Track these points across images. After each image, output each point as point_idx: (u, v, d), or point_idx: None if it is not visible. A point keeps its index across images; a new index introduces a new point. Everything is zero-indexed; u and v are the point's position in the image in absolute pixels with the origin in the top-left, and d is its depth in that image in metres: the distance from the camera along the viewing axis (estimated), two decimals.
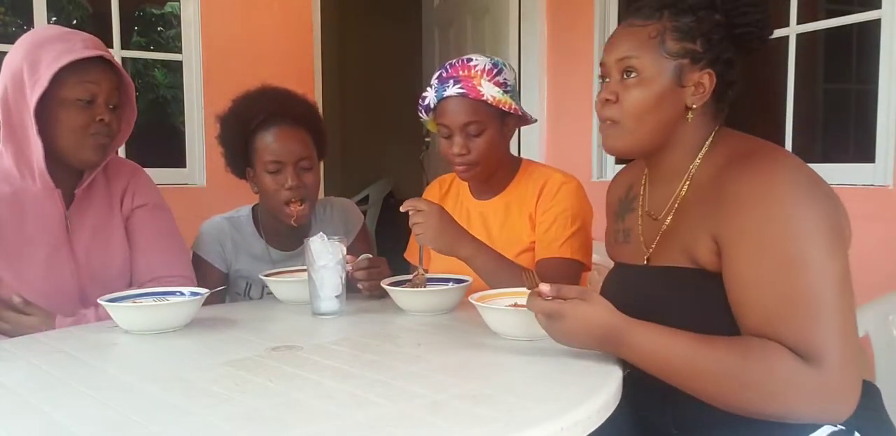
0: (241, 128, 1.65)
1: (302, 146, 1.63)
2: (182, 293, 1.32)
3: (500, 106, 1.49)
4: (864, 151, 2.08)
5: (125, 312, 1.23)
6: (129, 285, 1.53)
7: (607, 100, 1.08)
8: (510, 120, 1.56)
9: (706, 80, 1.06)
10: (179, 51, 3.04)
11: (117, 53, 2.91)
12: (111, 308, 1.22)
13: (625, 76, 1.07)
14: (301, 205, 1.62)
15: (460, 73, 1.51)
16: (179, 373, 1.01)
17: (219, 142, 1.70)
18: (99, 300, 1.24)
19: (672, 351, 0.95)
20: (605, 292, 1.21)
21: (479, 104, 1.48)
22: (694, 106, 1.07)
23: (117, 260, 1.49)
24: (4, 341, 1.22)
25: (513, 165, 1.63)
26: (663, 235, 1.11)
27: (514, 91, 1.55)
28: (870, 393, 1.02)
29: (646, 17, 1.07)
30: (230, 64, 2.97)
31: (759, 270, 0.95)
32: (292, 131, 1.63)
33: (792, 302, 0.92)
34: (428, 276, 1.45)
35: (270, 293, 1.64)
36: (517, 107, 1.52)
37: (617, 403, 0.90)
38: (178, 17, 3.06)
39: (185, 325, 1.25)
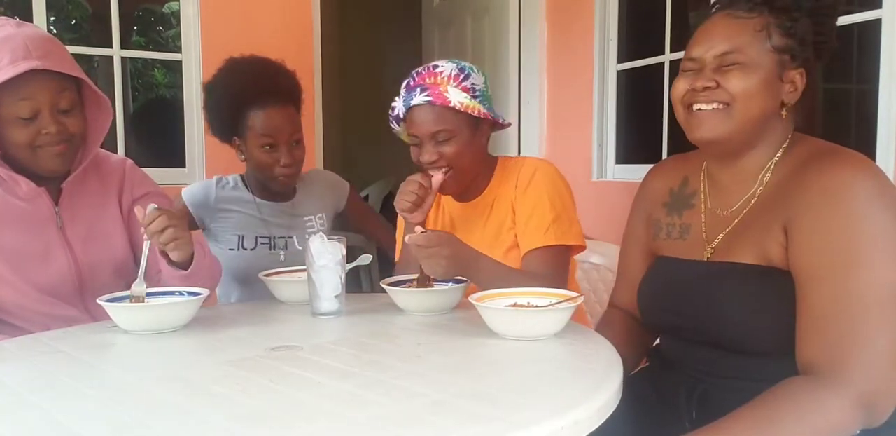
0: (230, 100, 1.74)
1: (292, 123, 1.75)
2: (182, 293, 1.32)
3: (469, 112, 1.46)
4: (864, 151, 2.06)
5: (125, 312, 1.23)
6: (134, 276, 1.54)
7: (707, 87, 1.05)
8: (484, 125, 1.53)
9: (798, 79, 1.05)
10: (179, 50, 3.03)
11: (117, 53, 2.91)
12: (111, 308, 1.22)
13: (723, 66, 1.05)
14: (292, 176, 1.78)
15: (427, 80, 1.49)
16: (179, 373, 1.00)
17: (204, 110, 1.83)
18: (99, 300, 1.24)
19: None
20: (653, 287, 1.20)
21: (447, 111, 1.46)
22: (790, 103, 1.06)
23: (118, 252, 1.50)
24: (4, 341, 1.22)
25: (490, 167, 1.61)
26: (731, 233, 1.10)
27: (483, 96, 1.52)
28: None
29: (748, 9, 1.05)
30: None
31: (817, 265, 0.96)
32: (283, 110, 1.73)
33: (839, 301, 0.93)
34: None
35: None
36: (486, 112, 1.49)
37: (617, 402, 0.90)
38: (177, 17, 3.06)
39: (185, 325, 1.25)
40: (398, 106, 1.52)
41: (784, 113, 1.07)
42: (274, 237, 1.83)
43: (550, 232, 1.48)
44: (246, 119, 1.73)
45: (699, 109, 1.07)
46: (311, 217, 1.90)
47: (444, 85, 1.47)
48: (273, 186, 1.80)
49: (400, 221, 1.68)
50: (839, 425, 0.90)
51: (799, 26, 1.04)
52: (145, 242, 1.31)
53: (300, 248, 1.82)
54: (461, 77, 1.49)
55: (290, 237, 1.85)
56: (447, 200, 1.66)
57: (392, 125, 1.59)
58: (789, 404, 0.91)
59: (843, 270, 0.94)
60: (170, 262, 1.35)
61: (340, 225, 2.10)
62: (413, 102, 1.47)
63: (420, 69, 1.53)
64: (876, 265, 0.93)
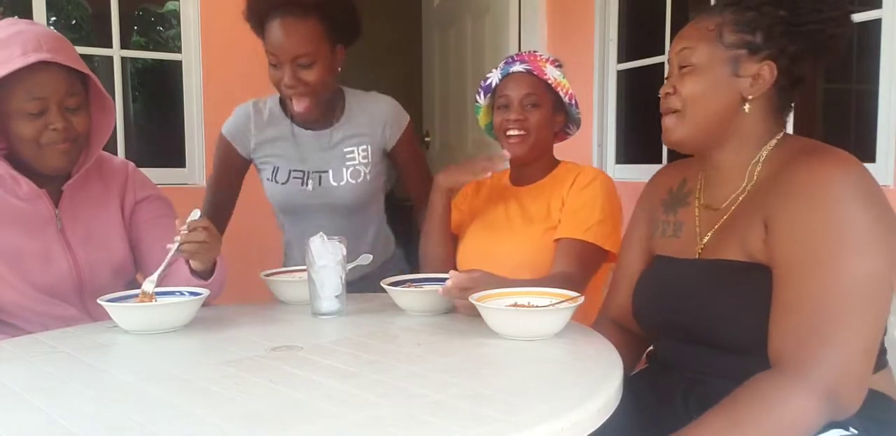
0: (256, 7, 1.62)
1: (302, 41, 1.56)
2: (182, 293, 1.32)
3: (559, 89, 1.62)
4: (864, 150, 2.07)
5: (125, 312, 1.23)
6: (135, 278, 1.53)
7: (667, 93, 1.11)
8: (559, 117, 1.66)
9: (766, 71, 1.06)
10: (179, 50, 3.04)
11: (117, 53, 2.91)
12: (111, 308, 1.22)
13: (681, 68, 1.10)
14: (301, 99, 1.62)
15: (526, 58, 1.65)
16: (179, 373, 1.01)
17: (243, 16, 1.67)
18: (99, 300, 1.24)
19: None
20: (647, 287, 1.21)
21: (541, 83, 1.61)
22: (750, 97, 1.07)
23: (117, 253, 1.50)
24: (4, 341, 1.22)
25: (553, 162, 1.72)
26: (720, 228, 1.12)
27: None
28: (884, 407, 1.01)
29: (710, 13, 1.10)
30: (230, 64, 2.97)
31: (790, 258, 0.96)
32: (297, 22, 1.56)
33: (806, 295, 0.94)
34: (429, 276, 1.47)
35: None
36: (573, 93, 1.64)
37: (617, 403, 0.90)
38: (177, 17, 3.06)
39: (185, 325, 1.25)
40: (493, 76, 1.66)
41: (748, 107, 1.08)
42: (308, 172, 1.74)
43: (592, 230, 1.53)
44: (264, 30, 1.60)
45: (664, 115, 1.14)
46: (353, 148, 1.75)
47: (543, 63, 1.64)
48: (290, 106, 1.66)
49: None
50: (803, 419, 0.90)
51: (764, 19, 1.05)
52: (174, 245, 1.31)
53: (334, 184, 1.73)
54: (556, 63, 1.68)
55: (326, 172, 1.74)
56: (505, 184, 1.75)
57: (478, 97, 1.71)
58: (755, 400, 0.92)
59: (814, 262, 0.94)
60: (192, 271, 1.37)
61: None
62: (512, 70, 1.63)
63: (519, 52, 1.74)
64: (849, 259, 0.93)
